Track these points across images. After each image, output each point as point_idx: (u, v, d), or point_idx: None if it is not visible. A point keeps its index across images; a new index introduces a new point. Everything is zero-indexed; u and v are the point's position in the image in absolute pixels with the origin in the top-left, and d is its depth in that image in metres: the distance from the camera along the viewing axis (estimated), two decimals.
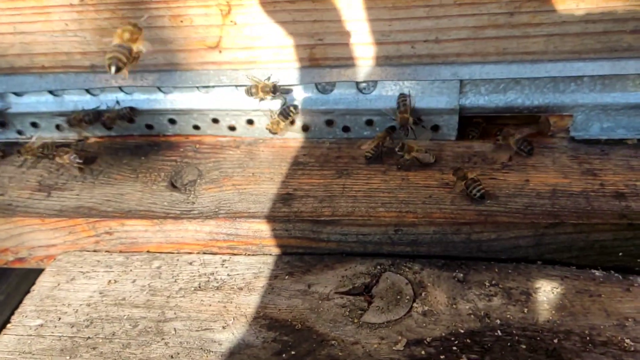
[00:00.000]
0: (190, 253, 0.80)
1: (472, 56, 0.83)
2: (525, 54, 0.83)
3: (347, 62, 0.86)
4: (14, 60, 0.91)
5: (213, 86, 0.89)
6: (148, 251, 0.81)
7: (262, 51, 0.87)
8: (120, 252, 0.82)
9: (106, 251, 0.82)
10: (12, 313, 1.00)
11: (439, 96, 0.86)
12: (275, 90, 0.85)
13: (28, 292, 0.78)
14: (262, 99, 0.87)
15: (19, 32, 0.88)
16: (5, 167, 0.91)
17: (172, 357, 0.65)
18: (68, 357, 0.66)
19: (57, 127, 0.96)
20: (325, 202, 0.79)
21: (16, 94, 0.93)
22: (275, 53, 0.87)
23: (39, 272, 1.06)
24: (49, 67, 0.91)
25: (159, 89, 0.90)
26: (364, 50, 0.85)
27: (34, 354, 0.67)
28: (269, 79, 0.86)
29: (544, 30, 0.80)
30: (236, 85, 0.89)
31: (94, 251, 0.82)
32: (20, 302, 1.02)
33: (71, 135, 0.96)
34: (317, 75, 0.87)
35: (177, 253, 0.81)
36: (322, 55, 0.86)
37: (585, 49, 0.81)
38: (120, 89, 0.91)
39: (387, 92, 0.87)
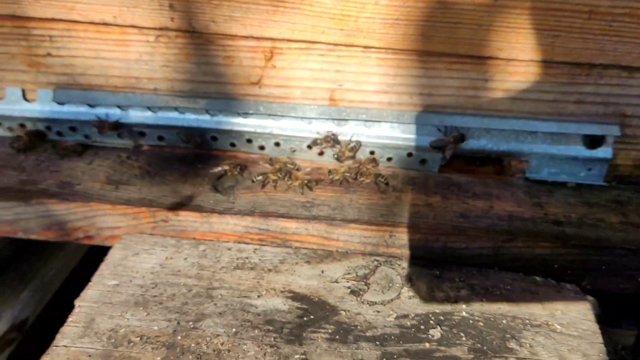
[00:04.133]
0: (227, 242, 1.02)
1: (455, 109, 1.09)
2: (495, 110, 1.08)
3: (359, 104, 1.11)
4: (92, 79, 1.13)
5: (251, 113, 1.12)
6: (194, 238, 1.03)
7: (293, 89, 1.11)
8: (172, 237, 1.03)
9: (160, 235, 1.03)
10: (62, 285, 1.20)
11: (427, 137, 1.10)
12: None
13: (89, 264, 0.98)
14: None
15: (100, 57, 1.10)
16: (77, 163, 1.12)
17: (220, 314, 0.87)
18: (141, 308, 0.87)
19: (119, 135, 1.17)
20: (337, 210, 1.02)
21: (90, 105, 1.14)
22: (304, 92, 1.11)
23: (82, 253, 1.26)
24: (120, 87, 1.13)
25: (207, 111, 1.13)
26: (372, 96, 1.09)
27: (114, 304, 0.88)
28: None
29: (510, 95, 1.06)
30: (269, 114, 1.12)
31: (151, 234, 1.03)
32: (67, 276, 1.23)
33: (128, 142, 1.18)
34: (335, 113, 1.11)
35: (217, 241, 1.02)
36: (339, 97, 1.11)
37: (540, 112, 1.07)
38: (176, 109, 1.13)
39: (386, 129, 1.11)
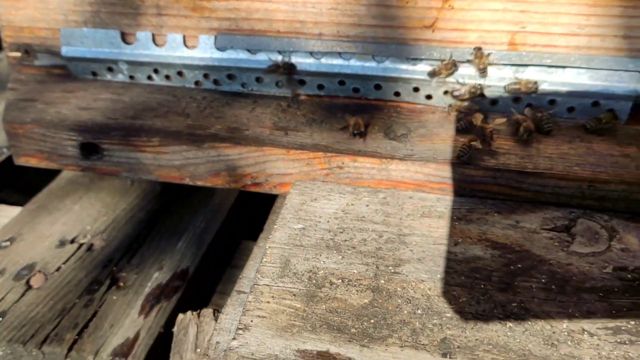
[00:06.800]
0: (406, 190, 0.96)
1: None
2: None
3: (542, 48, 1.02)
4: (255, 24, 1.09)
5: (422, 59, 1.06)
6: (369, 186, 0.98)
7: (470, 33, 1.03)
8: (346, 184, 0.98)
9: (333, 182, 0.98)
10: (213, 238, 1.17)
11: (618, 84, 1.01)
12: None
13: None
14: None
15: (266, 0, 1.07)
16: (240, 111, 1.09)
17: (419, 260, 0.81)
18: (335, 252, 0.82)
19: (277, 83, 1.13)
20: (526, 159, 0.94)
21: (249, 51, 1.11)
22: (480, 36, 1.03)
23: (227, 208, 1.23)
24: (283, 32, 1.09)
25: (373, 57, 1.07)
26: (559, 39, 1.00)
27: (305, 247, 0.83)
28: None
29: None
30: (441, 60, 1.05)
31: (323, 182, 0.99)
32: (218, 230, 1.20)
33: (286, 92, 1.13)
34: (515, 58, 1.03)
35: (395, 189, 0.97)
36: (521, 41, 1.02)
37: None
38: (340, 54, 1.08)
39: (571, 76, 1.02)
